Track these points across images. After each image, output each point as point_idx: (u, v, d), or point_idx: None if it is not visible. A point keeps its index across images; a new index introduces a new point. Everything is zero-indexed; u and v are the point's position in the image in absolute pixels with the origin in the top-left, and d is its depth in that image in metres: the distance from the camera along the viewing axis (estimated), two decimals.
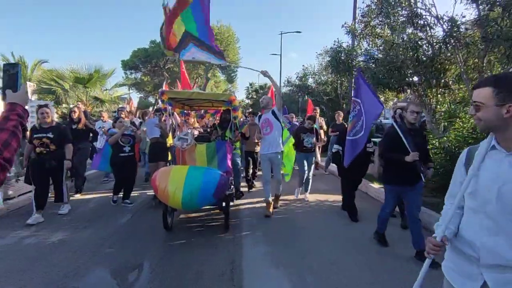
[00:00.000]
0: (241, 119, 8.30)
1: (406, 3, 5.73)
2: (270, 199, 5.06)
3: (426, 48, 6.07)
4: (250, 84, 43.53)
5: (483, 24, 4.76)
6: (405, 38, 6.20)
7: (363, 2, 7.09)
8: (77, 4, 75.94)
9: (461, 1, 5.19)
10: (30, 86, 14.54)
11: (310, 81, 15.45)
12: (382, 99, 11.22)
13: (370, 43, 7.09)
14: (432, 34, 5.92)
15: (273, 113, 4.97)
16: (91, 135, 6.31)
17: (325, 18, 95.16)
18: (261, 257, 3.59)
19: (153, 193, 5.22)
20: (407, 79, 6.56)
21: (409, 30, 6.18)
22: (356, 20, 8.04)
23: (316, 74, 14.82)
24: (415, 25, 5.75)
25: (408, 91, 7.12)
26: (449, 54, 5.69)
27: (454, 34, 5.08)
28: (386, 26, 6.35)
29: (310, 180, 5.97)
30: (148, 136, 5.86)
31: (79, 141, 5.73)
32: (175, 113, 6.17)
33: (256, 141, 6.02)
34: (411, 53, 5.85)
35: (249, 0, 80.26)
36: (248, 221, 4.81)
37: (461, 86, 6.49)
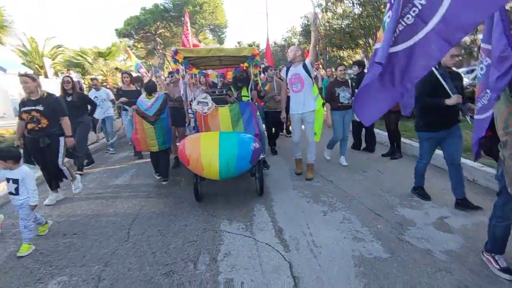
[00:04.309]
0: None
1: None
2: (300, 156, 4.79)
3: (366, 19, 8.86)
4: (238, 43, 44.76)
5: None
6: (354, 12, 8.97)
7: None
8: None
9: None
10: (48, 62, 16.99)
11: (294, 41, 17.99)
12: (344, 55, 14.00)
13: (332, 14, 9.81)
14: (368, 9, 8.68)
15: (304, 66, 4.32)
16: (89, 107, 5.67)
17: None
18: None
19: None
20: (356, 40, 9.41)
21: (357, 8, 8.91)
22: None
23: (299, 35, 17.34)
24: (355, 4, 8.49)
25: (358, 50, 10.00)
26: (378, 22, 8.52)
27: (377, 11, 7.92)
28: (339, 4, 9.09)
29: (347, 142, 5.35)
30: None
31: (78, 115, 5.19)
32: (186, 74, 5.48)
33: (277, 99, 5.79)
34: (355, 23, 8.66)
35: None
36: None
37: None
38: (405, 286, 2.23)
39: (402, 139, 5.69)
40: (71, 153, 4.39)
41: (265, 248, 2.85)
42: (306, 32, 10.57)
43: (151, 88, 4.70)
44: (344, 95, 5.05)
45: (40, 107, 3.82)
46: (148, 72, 11.03)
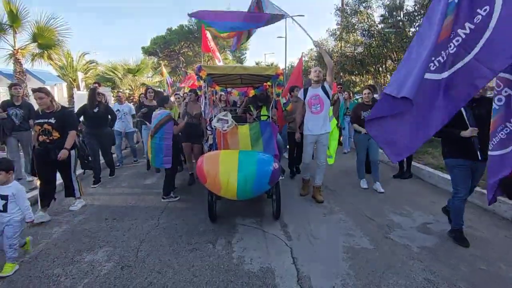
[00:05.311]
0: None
1: (361, 21, 9.26)
2: (308, 177, 4.84)
3: (376, 49, 9.59)
4: (257, 63, 46.13)
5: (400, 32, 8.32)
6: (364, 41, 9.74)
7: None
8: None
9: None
10: (81, 75, 18.39)
11: (310, 64, 18.87)
12: (356, 80, 14.67)
13: (345, 43, 10.61)
14: (377, 39, 9.43)
15: (323, 88, 4.37)
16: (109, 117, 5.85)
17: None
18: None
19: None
20: (367, 67, 10.11)
21: (367, 38, 9.69)
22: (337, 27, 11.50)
23: (314, 60, 18.29)
24: (366, 35, 9.26)
25: (368, 76, 10.67)
26: (387, 52, 9.24)
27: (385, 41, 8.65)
28: (351, 35, 9.89)
29: (379, 166, 5.13)
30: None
31: (102, 125, 5.60)
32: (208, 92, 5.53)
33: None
34: (367, 51, 9.39)
35: None
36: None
37: None
38: (382, 268, 2.77)
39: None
40: (87, 164, 4.51)
41: (271, 237, 3.45)
42: (321, 57, 11.34)
43: (159, 102, 4.75)
44: None
45: (52, 120, 3.88)
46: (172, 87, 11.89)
